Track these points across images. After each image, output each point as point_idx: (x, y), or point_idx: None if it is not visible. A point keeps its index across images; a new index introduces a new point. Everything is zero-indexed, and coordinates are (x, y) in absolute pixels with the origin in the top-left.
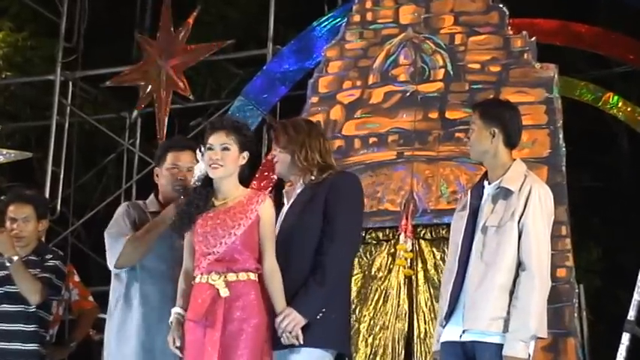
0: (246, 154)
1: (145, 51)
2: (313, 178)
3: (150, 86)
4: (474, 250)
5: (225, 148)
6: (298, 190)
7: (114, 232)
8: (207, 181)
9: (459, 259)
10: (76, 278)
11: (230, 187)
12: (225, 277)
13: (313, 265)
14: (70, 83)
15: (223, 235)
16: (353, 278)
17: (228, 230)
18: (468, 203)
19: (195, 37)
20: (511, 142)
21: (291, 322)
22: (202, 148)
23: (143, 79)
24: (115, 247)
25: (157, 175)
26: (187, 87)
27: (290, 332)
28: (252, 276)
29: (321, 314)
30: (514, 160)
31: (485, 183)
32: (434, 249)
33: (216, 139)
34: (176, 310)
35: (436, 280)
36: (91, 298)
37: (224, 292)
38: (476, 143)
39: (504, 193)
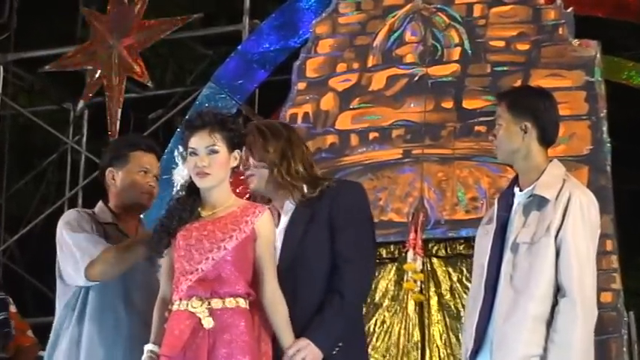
0: (237, 152)
1: (93, 28)
2: (305, 193)
3: (99, 71)
4: (503, 272)
5: (213, 151)
6: (290, 210)
7: (83, 234)
8: (191, 189)
9: (485, 284)
10: (13, 308)
11: (220, 196)
12: (209, 303)
13: (327, 291)
14: (1, 68)
15: (210, 248)
16: None
17: (217, 243)
18: (495, 215)
19: (153, 11)
20: (546, 139)
21: (307, 355)
22: (182, 150)
23: (91, 62)
24: (89, 250)
25: (113, 178)
26: (145, 72)
27: None
28: (242, 303)
29: (337, 348)
30: (550, 160)
31: (516, 190)
32: (449, 269)
33: (199, 142)
34: (149, 347)
35: (452, 307)
36: (30, 333)
37: (207, 323)
38: (504, 141)
39: (538, 202)
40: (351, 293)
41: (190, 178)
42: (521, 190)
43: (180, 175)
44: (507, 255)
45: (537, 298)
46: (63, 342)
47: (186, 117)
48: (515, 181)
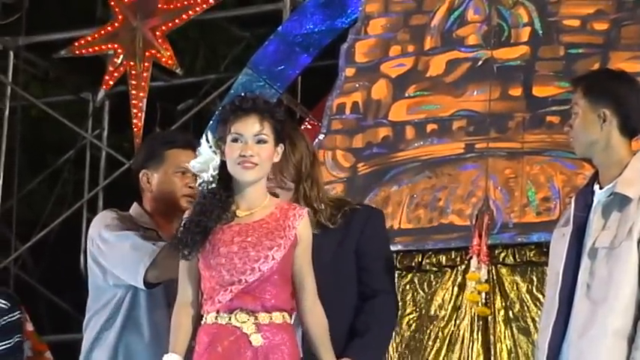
0: (280, 148)
1: (114, 8)
2: (323, 220)
3: (121, 57)
4: (580, 281)
5: (262, 141)
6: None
7: (134, 232)
8: (226, 183)
9: (560, 295)
10: (29, 327)
11: (259, 194)
12: (256, 318)
13: (361, 319)
14: (11, 53)
15: (257, 258)
16: (406, 319)
17: (265, 252)
18: (572, 215)
19: None
20: (630, 128)
21: None
22: (209, 136)
23: (112, 46)
24: (148, 248)
25: (148, 181)
26: (173, 57)
27: None
28: (288, 318)
29: None
30: (634, 153)
31: (596, 187)
32: (517, 278)
33: (247, 127)
34: (171, 357)
35: (522, 322)
36: (48, 354)
37: (256, 340)
38: (580, 132)
39: (620, 202)
40: (389, 322)
41: (221, 170)
42: (601, 188)
43: (212, 165)
44: (585, 261)
45: (618, 310)
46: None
47: (228, 101)
48: (594, 177)
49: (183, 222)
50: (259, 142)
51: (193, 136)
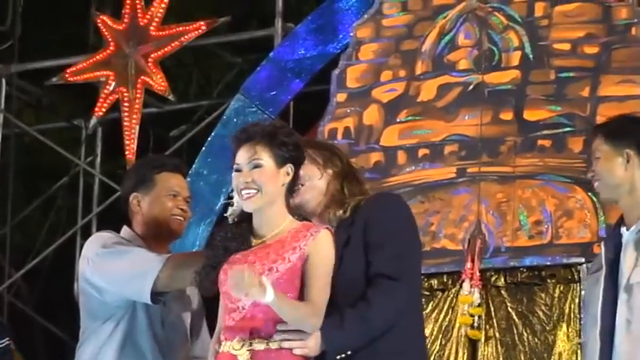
0: (289, 167)
1: (107, 35)
2: (342, 212)
3: (113, 83)
4: (620, 318)
5: (256, 165)
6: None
7: (136, 248)
8: (244, 217)
9: (601, 335)
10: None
11: (273, 219)
12: (251, 344)
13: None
14: (4, 81)
15: None
16: None
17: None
18: (603, 258)
19: (174, 15)
20: None
21: (309, 341)
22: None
23: (104, 73)
24: (154, 260)
25: (138, 204)
26: (165, 83)
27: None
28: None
29: (343, 355)
30: None
31: (623, 229)
32: (507, 298)
33: (242, 156)
34: None
35: (508, 340)
36: None
37: None
38: (606, 175)
39: None
40: (379, 308)
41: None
42: (628, 229)
43: (235, 199)
44: (622, 298)
45: None
46: None
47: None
48: (620, 220)
49: (203, 262)
50: (254, 167)
51: (186, 161)
